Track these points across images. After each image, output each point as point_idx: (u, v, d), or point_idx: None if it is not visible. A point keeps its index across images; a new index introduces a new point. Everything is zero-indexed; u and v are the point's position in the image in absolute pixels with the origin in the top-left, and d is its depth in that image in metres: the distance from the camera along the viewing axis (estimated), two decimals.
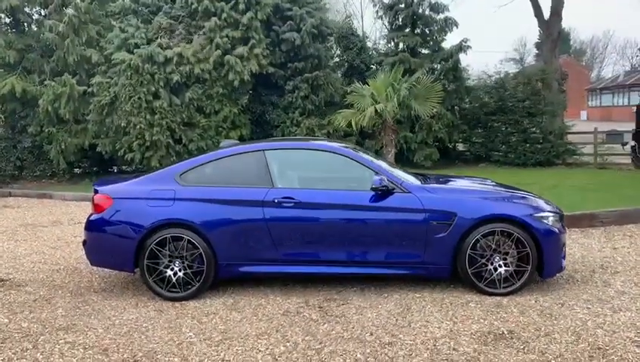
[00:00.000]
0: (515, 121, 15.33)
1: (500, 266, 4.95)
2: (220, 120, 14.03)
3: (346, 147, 5.60)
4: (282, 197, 5.04)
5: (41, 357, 3.95)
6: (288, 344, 4.05)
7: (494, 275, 4.94)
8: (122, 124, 13.07)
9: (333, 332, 4.24)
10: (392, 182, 5.03)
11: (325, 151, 5.40)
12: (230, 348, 4.00)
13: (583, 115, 47.40)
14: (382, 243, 5.00)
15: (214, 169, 5.31)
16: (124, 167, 15.17)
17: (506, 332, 4.13)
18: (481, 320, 4.39)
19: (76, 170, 15.33)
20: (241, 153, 5.40)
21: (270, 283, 5.44)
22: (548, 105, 15.19)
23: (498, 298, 4.88)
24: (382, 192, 5.00)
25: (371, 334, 4.17)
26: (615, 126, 26.41)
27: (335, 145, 5.58)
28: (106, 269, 6.03)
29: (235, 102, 14.29)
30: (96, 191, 5.34)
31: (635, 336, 4.01)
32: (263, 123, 15.59)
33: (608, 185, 11.39)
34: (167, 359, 3.85)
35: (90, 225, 5.28)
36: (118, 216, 5.15)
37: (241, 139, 14.51)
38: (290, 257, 5.08)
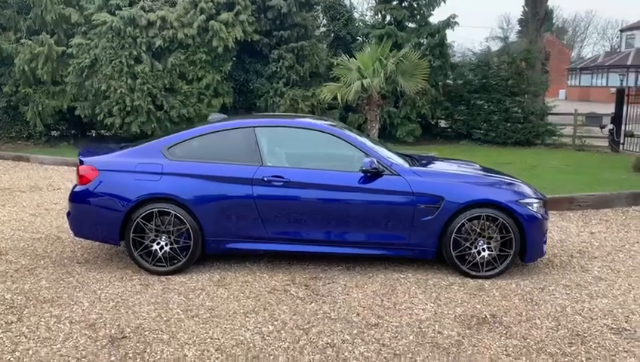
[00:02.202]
0: (497, 100, 15.42)
1: (483, 250, 5.05)
2: (203, 87, 13.79)
3: (337, 127, 5.59)
4: (272, 176, 5.03)
5: (27, 331, 3.93)
6: (276, 323, 4.10)
7: (477, 259, 5.04)
8: (102, 88, 12.78)
9: (321, 311, 4.30)
10: (382, 165, 5.05)
11: (316, 130, 5.37)
12: (218, 326, 4.03)
13: (562, 94, 47.88)
14: (369, 224, 5.04)
15: (203, 144, 5.26)
16: (102, 132, 14.89)
17: (488, 316, 4.24)
18: (465, 303, 4.49)
19: (53, 132, 14.99)
20: (230, 129, 5.34)
21: (256, 259, 5.47)
22: (531, 86, 15.29)
23: (480, 281, 4.99)
24: (372, 174, 5.02)
25: (358, 315, 4.24)
26: (592, 106, 26.79)
27: (326, 124, 5.56)
28: (87, 240, 5.99)
29: (218, 70, 14.02)
30: (81, 162, 5.25)
31: (611, 323, 4.16)
32: (247, 92, 15.38)
33: (586, 167, 11.60)
34: (155, 336, 3.87)
35: (75, 197, 5.21)
36: (104, 188, 5.09)
37: (224, 108, 14.37)
38: (277, 235, 5.10)
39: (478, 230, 5.02)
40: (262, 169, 5.06)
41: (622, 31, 53.01)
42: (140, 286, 4.82)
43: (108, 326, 4.02)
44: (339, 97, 11.37)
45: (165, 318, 4.16)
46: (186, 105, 13.60)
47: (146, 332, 3.92)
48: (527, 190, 5.29)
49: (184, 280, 4.95)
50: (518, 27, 53.56)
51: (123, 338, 3.84)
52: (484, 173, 5.52)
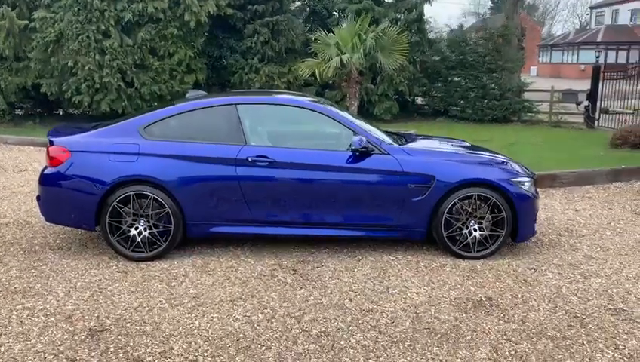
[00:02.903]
0: (474, 77, 15.34)
1: (475, 230, 4.92)
2: (175, 63, 13.34)
3: (324, 104, 5.35)
4: (256, 156, 4.78)
5: None
6: (266, 311, 3.90)
7: (469, 239, 4.92)
8: (69, 64, 12.22)
9: (312, 297, 4.12)
10: (371, 143, 4.85)
11: (303, 107, 5.12)
12: (205, 315, 3.81)
13: (533, 70, 48.30)
14: (358, 205, 4.86)
15: (182, 122, 4.97)
16: (70, 110, 14.32)
17: (484, 299, 4.13)
18: (459, 286, 4.37)
19: (18, 111, 14.34)
20: (211, 106, 5.05)
21: (240, 243, 5.25)
22: (508, 62, 15.23)
23: (472, 262, 4.88)
24: (361, 153, 4.82)
25: (350, 300, 4.08)
26: (563, 82, 27.01)
27: (312, 101, 5.32)
28: (59, 226, 5.68)
29: (190, 45, 13.55)
30: (51, 143, 4.91)
31: (608, 304, 4.09)
32: (220, 68, 14.97)
33: (563, 144, 11.65)
34: (138, 327, 3.64)
35: (45, 180, 4.88)
36: (77, 170, 4.77)
37: (197, 84, 13.95)
38: (263, 218, 4.88)
39: (470, 210, 4.88)
40: (246, 149, 4.81)
41: (592, 8, 53.57)
42: (118, 273, 4.56)
43: (86, 318, 3.76)
44: (317, 74, 11.10)
45: (147, 308, 3.92)
46: (157, 82, 13.15)
47: (128, 324, 3.68)
48: (518, 168, 5.17)
49: (165, 267, 4.71)
50: (490, 3, 53.62)
51: (103, 331, 3.59)
52: (475, 152, 5.38)
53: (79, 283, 4.34)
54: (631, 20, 45.86)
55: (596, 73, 14.08)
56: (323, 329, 3.64)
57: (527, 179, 5.07)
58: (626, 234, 5.80)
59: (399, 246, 5.22)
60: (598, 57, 16.73)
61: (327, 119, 5.02)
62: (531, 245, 5.38)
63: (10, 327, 3.62)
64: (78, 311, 3.85)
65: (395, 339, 3.52)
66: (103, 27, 12.20)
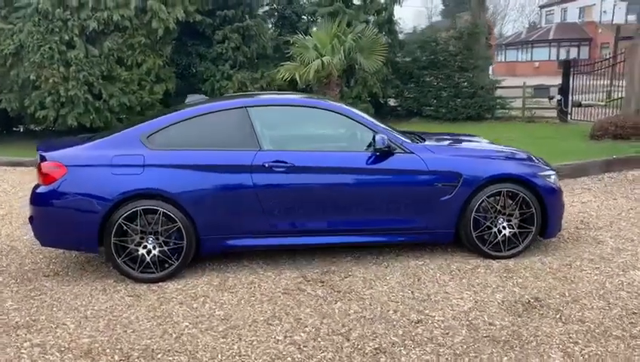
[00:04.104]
0: (446, 76, 15.32)
1: (504, 228, 4.71)
2: (143, 72, 12.75)
3: (336, 103, 5.05)
4: (273, 161, 4.44)
5: None
6: (307, 329, 3.56)
7: (499, 238, 4.70)
8: (31, 78, 11.47)
9: (351, 311, 3.80)
10: (392, 142, 4.58)
11: (316, 107, 4.81)
12: (241, 339, 3.45)
13: (489, 69, 49.22)
14: (385, 208, 4.58)
15: (188, 129, 4.57)
16: (32, 127, 13.54)
17: (532, 300, 3.90)
18: (501, 288, 4.13)
19: None
20: (219, 111, 4.67)
21: (252, 257, 4.88)
22: (479, 60, 15.29)
23: (503, 261, 4.66)
24: (383, 153, 4.54)
25: (395, 311, 3.78)
26: (519, 80, 27.54)
27: (326, 101, 5.01)
28: (50, 248, 5.19)
29: (158, 54, 12.99)
30: (43, 158, 4.44)
31: None
32: (189, 76, 14.47)
33: (542, 138, 11.68)
34: (171, 358, 3.24)
35: (39, 199, 4.39)
36: (76, 187, 4.32)
37: (167, 94, 13.46)
38: (283, 228, 4.53)
39: (499, 207, 4.67)
40: (261, 154, 4.46)
41: (541, 7, 55.16)
42: (129, 298, 4.13)
43: (108, 351, 3.34)
44: (297, 77, 10.79)
45: (175, 335, 3.52)
46: (126, 93, 12.54)
47: (159, 355, 3.28)
48: (542, 162, 4.99)
49: (179, 287, 4.30)
50: (442, 6, 54.43)
51: None
52: (498, 147, 5.18)
53: (89, 312, 3.89)
54: (579, 18, 47.43)
55: (567, 68, 14.27)
56: (376, 345, 3.33)
57: (553, 172, 4.90)
58: None
59: (423, 250, 4.96)
60: (567, 53, 17.08)
61: (344, 119, 4.71)
62: (554, 240, 5.21)
63: None
64: (97, 344, 3.42)
65: (457, 351, 3.24)
66: (67, 37, 11.53)
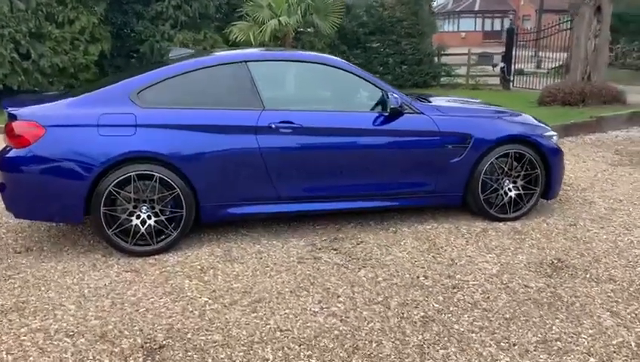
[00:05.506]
0: (393, 42, 15.24)
1: (509, 190, 4.65)
2: (77, 31, 11.72)
3: (346, 61, 4.72)
4: (280, 122, 4.08)
5: (10, 358, 2.72)
6: (341, 299, 3.31)
7: (505, 200, 4.63)
8: None
9: (380, 279, 3.58)
10: (404, 102, 4.35)
11: (324, 64, 4.45)
12: (275, 313, 3.14)
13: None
14: (395, 171, 4.36)
15: (183, 85, 4.10)
16: None
17: (555, 261, 3.85)
18: (520, 250, 4.06)
19: None
20: (215, 65, 4.21)
21: (250, 225, 4.54)
22: (425, 26, 15.30)
23: (509, 224, 4.60)
24: (394, 113, 4.30)
25: (425, 277, 3.60)
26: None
27: (335, 58, 4.66)
28: (11, 220, 4.60)
29: (92, 11, 12.00)
30: (13, 117, 3.83)
31: None
32: (125, 36, 13.48)
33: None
34: (203, 338, 2.89)
35: (12, 164, 3.80)
36: (57, 150, 3.77)
37: (103, 56, 12.52)
38: (290, 193, 4.21)
39: (506, 169, 4.59)
40: (266, 113, 4.09)
41: None
42: (127, 273, 3.69)
43: (127, 333, 2.94)
44: (251, 37, 10.26)
45: (197, 312, 3.16)
46: (58, 53, 11.50)
47: (189, 335, 2.92)
48: (543, 123, 4.95)
49: (180, 260, 3.90)
50: None
51: (161, 347, 2.81)
52: (499, 108, 5.08)
53: (86, 291, 3.43)
54: None
55: (510, 37, 14.58)
56: (422, 313, 3.14)
57: (554, 133, 4.87)
58: (621, 185, 5.88)
59: (426, 214, 4.82)
60: (511, 22, 17.34)
61: (353, 77, 4.40)
62: (546, 203, 5.21)
63: (30, 359, 2.71)
64: (110, 326, 3.00)
65: (507, 316, 3.12)
66: None
